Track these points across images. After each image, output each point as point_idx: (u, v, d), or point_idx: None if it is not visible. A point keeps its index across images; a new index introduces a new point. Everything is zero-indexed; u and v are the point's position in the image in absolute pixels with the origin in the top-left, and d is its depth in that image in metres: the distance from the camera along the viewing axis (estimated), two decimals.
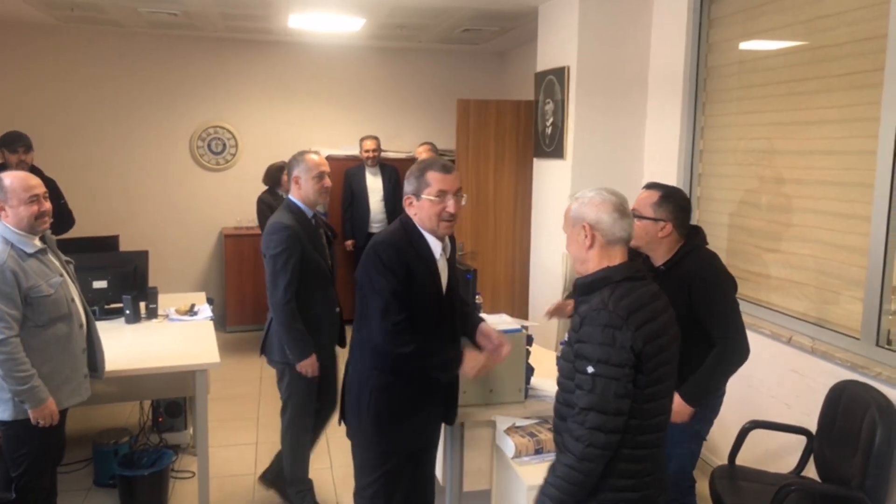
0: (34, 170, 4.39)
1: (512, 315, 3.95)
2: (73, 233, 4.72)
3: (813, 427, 2.87)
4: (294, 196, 3.22)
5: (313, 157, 3.23)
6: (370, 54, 7.05)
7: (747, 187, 3.71)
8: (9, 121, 5.93)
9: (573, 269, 4.25)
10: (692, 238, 2.67)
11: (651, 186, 2.71)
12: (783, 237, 3.43)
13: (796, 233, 3.34)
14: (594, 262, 2.02)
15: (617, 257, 2.02)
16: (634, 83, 4.47)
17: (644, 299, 1.97)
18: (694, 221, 4.09)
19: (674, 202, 2.62)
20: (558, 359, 2.10)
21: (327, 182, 3.23)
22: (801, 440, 2.93)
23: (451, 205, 2.40)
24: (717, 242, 3.92)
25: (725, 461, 3.00)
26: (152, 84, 6.61)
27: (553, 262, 4.71)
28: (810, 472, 2.87)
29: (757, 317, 3.49)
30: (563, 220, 2.11)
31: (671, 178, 4.20)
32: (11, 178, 2.67)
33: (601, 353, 1.86)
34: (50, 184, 4.32)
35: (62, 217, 4.62)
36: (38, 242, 2.72)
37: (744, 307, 3.58)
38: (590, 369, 1.86)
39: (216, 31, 6.33)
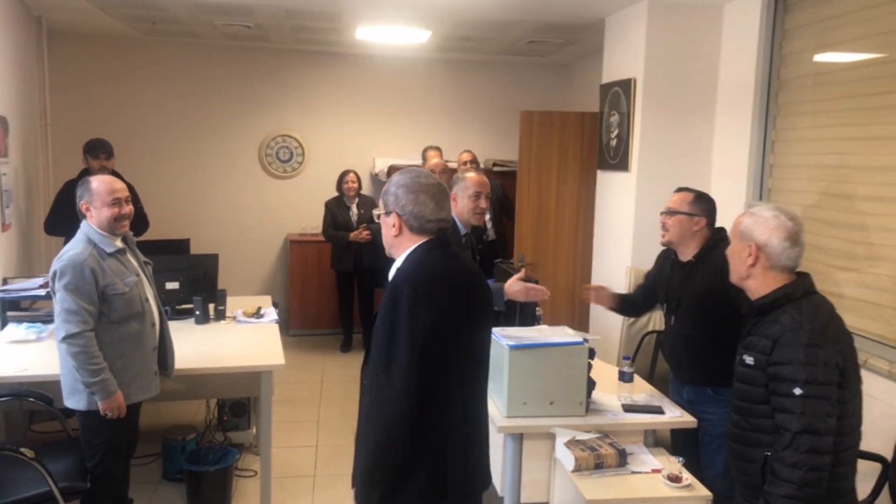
0: (114, 175, 4.62)
1: (573, 328, 3.91)
2: (147, 235, 4.93)
3: (889, 454, 2.76)
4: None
5: (472, 176, 3.25)
6: (435, 66, 7.14)
7: (820, 204, 3.60)
8: (93, 128, 6.25)
9: (637, 283, 4.19)
10: (718, 233, 2.91)
11: (683, 189, 3.00)
12: (858, 256, 3.31)
13: (872, 252, 3.22)
14: (756, 282, 2.03)
15: (780, 280, 2.02)
16: (703, 95, 4.40)
17: (830, 311, 1.98)
18: None
19: (707, 201, 2.93)
20: (735, 383, 2.13)
21: (483, 203, 3.24)
22: (876, 468, 2.81)
23: None
24: None
25: None
26: (225, 93, 6.85)
27: (616, 275, 4.65)
28: (884, 501, 2.75)
29: None
30: (732, 228, 2.13)
31: (740, 193, 4.11)
32: (98, 181, 2.83)
33: (808, 373, 1.84)
34: (129, 188, 4.53)
35: (138, 220, 4.85)
36: (118, 243, 2.86)
37: None
38: (797, 391, 1.83)
39: (287, 43, 6.52)
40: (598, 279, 5.14)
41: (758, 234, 2.01)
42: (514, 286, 3.08)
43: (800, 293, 1.98)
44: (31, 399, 3.18)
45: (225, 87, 6.85)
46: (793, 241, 2.01)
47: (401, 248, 1.98)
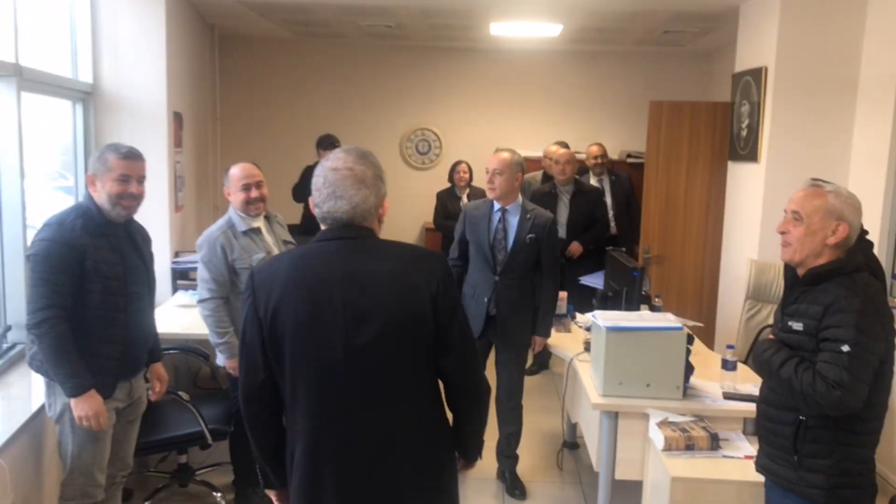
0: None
1: (699, 321, 3.90)
2: (294, 220, 5.44)
3: None
4: None
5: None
6: (567, 58, 7.20)
7: None
8: (255, 123, 6.94)
9: (758, 276, 4.11)
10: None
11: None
12: None
13: None
14: (825, 258, 2.05)
15: (836, 256, 2.06)
16: (840, 84, 4.18)
17: (879, 288, 2.05)
18: None
19: None
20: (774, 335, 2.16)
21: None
22: None
23: None
24: None
25: None
26: (370, 89, 7.33)
27: (743, 268, 4.55)
28: None
29: None
30: (804, 204, 2.06)
31: (879, 188, 3.89)
32: (235, 168, 3.19)
33: (858, 335, 1.91)
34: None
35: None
36: (255, 223, 3.20)
37: None
38: (845, 348, 1.91)
39: (425, 41, 6.87)
40: (726, 272, 5.04)
41: (848, 213, 2.02)
42: None
43: (852, 267, 2.00)
44: (192, 353, 3.72)
45: (370, 82, 7.32)
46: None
47: None
